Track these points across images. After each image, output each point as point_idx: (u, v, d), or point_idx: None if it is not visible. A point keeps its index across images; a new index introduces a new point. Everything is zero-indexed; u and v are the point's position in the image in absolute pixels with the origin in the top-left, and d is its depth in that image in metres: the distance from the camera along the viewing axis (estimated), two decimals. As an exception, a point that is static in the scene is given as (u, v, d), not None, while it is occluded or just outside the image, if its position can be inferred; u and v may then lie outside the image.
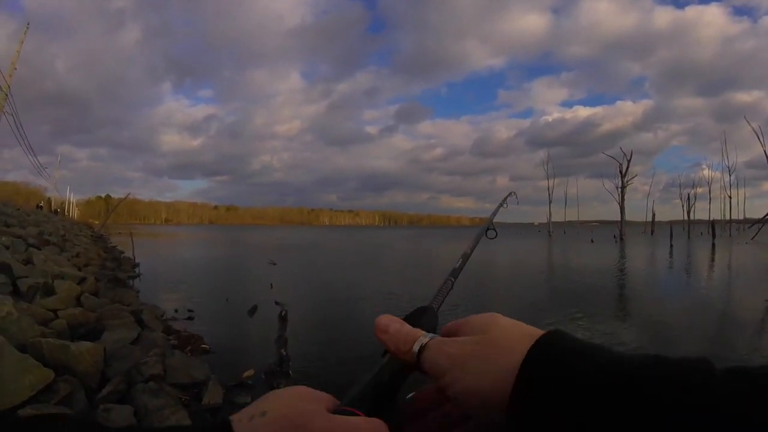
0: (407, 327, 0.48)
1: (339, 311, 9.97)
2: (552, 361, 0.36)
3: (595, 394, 0.33)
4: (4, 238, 8.69)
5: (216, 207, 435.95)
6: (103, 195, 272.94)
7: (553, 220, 70.44)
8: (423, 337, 0.45)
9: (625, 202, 52.03)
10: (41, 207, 51.78)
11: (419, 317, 0.54)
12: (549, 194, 67.30)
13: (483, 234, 0.83)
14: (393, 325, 0.48)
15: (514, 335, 0.40)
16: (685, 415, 0.30)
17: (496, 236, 0.91)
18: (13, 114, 30.47)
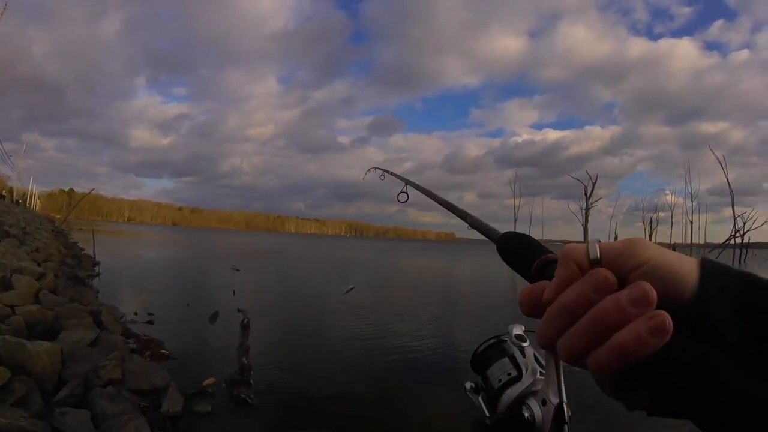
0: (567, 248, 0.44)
1: (302, 321, 9.96)
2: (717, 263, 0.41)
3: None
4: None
5: (180, 208, 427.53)
6: (66, 188, 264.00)
7: None
8: (596, 245, 0.42)
9: (589, 223, 53.34)
10: (4, 197, 49.91)
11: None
12: (515, 212, 68.29)
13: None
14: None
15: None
16: None
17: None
18: None
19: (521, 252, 0.56)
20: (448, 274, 27.96)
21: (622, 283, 0.39)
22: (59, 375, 4.21)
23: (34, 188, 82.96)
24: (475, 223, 0.78)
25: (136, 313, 8.81)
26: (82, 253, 19.02)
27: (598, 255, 0.40)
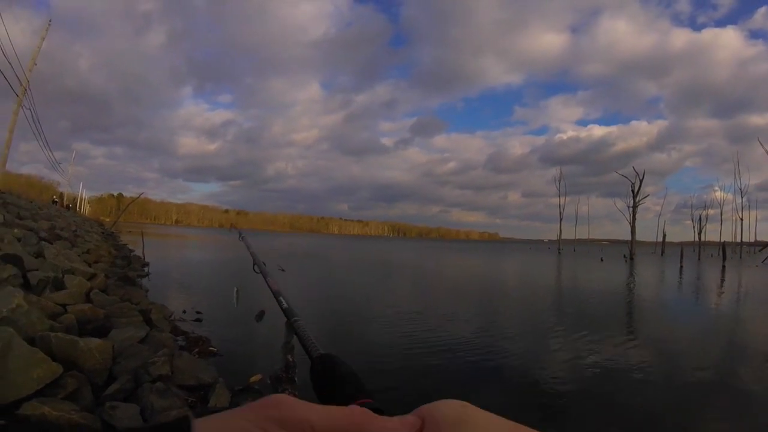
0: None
1: (346, 321, 9.90)
2: None
3: None
4: (16, 230, 8.70)
5: (227, 211, 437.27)
6: (115, 193, 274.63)
7: (563, 237, 69.96)
8: None
9: (636, 221, 51.51)
10: (56, 202, 52.14)
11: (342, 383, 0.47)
12: (560, 211, 66.89)
13: None
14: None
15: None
16: None
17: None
18: (31, 108, 31.01)
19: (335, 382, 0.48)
20: (491, 273, 27.47)
21: None
22: (110, 371, 4.27)
23: (84, 193, 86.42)
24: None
25: (184, 312, 8.96)
26: (132, 254, 19.58)
27: None
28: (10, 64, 24.55)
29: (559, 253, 61.98)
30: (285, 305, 1.21)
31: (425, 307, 12.11)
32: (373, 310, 11.33)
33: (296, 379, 5.62)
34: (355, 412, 0.36)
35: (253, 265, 2.14)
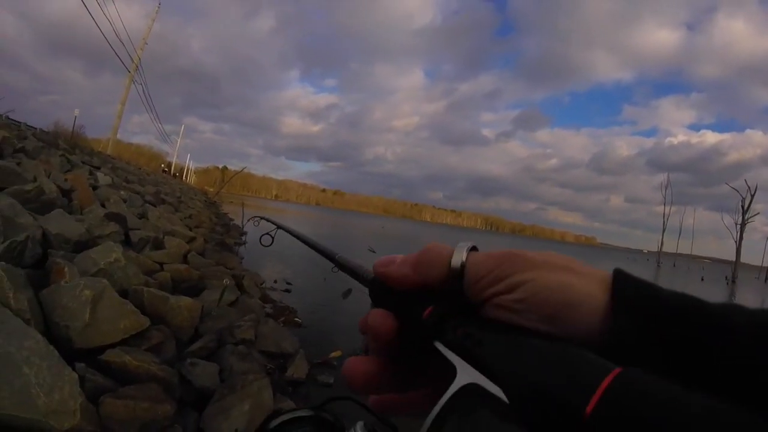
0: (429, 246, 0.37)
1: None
2: (636, 279, 0.31)
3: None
4: (122, 192, 9.26)
5: (324, 190, 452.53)
6: (220, 166, 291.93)
7: (664, 249, 64.71)
8: (462, 250, 0.34)
9: (743, 241, 46.27)
10: (166, 171, 56.10)
11: None
12: (664, 221, 61.91)
13: None
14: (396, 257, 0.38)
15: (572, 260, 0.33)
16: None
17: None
18: (143, 84, 34.41)
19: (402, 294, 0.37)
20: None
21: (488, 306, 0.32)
22: (196, 329, 4.33)
23: (191, 164, 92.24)
24: (342, 263, 0.59)
25: (275, 281, 9.17)
26: (231, 223, 20.53)
27: (460, 264, 0.34)
28: (122, 43, 26.90)
29: (658, 266, 56.44)
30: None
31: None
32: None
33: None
34: None
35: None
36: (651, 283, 0.31)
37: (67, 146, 13.02)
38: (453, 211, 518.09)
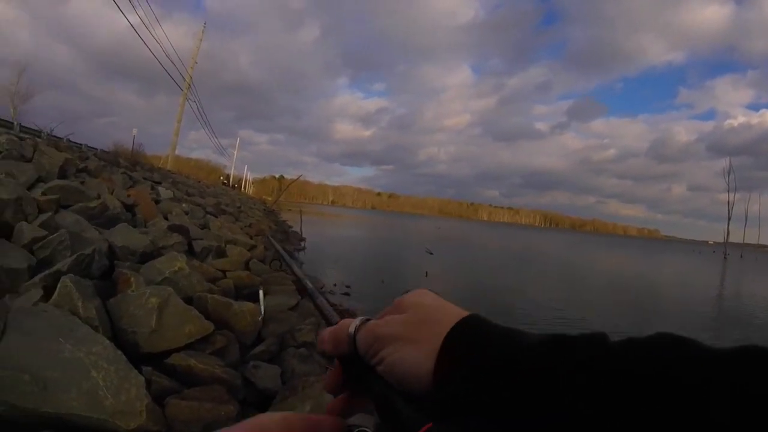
0: (342, 322, 0.49)
1: (489, 308, 9.47)
2: (469, 334, 0.40)
3: (504, 362, 0.36)
4: (184, 205, 9.59)
5: (379, 194, 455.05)
6: (277, 175, 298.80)
7: (730, 240, 60.12)
8: (355, 321, 0.47)
9: None
10: (226, 183, 58.06)
11: None
12: (728, 210, 57.73)
13: None
14: (327, 329, 0.50)
15: (438, 314, 0.43)
16: (578, 377, 0.33)
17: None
18: (197, 101, 36.03)
19: None
20: (647, 279, 24.88)
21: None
22: (259, 333, 4.38)
23: (249, 175, 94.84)
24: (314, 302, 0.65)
25: (335, 285, 9.23)
26: (290, 230, 20.92)
27: (352, 332, 0.46)
28: (173, 64, 28.14)
29: (725, 258, 52.47)
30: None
31: (572, 309, 11.22)
32: (514, 305, 10.73)
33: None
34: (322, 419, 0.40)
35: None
36: (488, 334, 0.39)
37: (128, 164, 13.63)
38: (510, 208, 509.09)
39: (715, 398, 0.29)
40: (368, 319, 0.47)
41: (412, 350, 0.41)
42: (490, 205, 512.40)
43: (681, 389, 0.30)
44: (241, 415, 2.72)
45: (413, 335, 0.41)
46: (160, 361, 2.90)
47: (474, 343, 0.39)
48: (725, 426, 0.28)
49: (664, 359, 0.32)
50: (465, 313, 0.42)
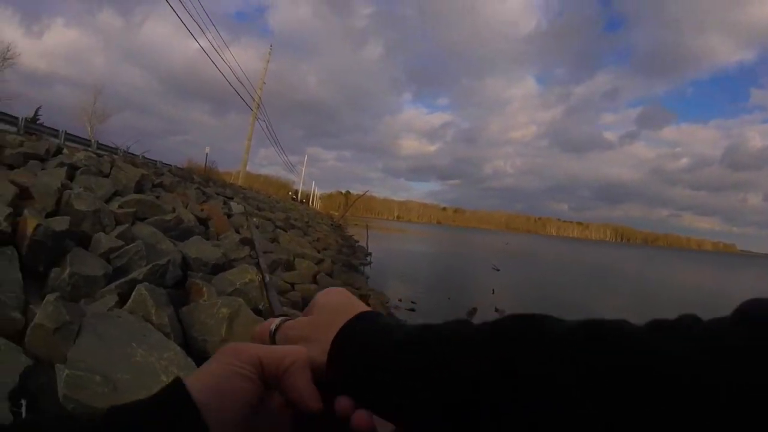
0: (269, 320, 0.53)
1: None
2: (351, 336, 0.45)
3: (381, 358, 0.41)
4: (254, 219, 9.80)
5: (444, 208, 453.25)
6: (343, 191, 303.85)
7: None
8: (276, 321, 0.52)
9: None
10: (294, 198, 59.62)
11: None
12: None
13: None
14: (258, 326, 0.53)
15: (333, 316, 0.47)
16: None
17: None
18: (266, 120, 37.63)
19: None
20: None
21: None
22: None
23: (316, 190, 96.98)
24: None
25: (400, 300, 9.11)
26: (357, 244, 21.04)
27: (272, 330, 0.51)
28: (243, 85, 29.45)
29: None
30: None
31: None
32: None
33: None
34: (291, 350, 0.44)
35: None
36: (367, 335, 0.44)
37: (201, 180, 14.14)
38: (579, 223, 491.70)
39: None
40: (288, 319, 0.52)
41: (311, 350, 0.45)
42: (559, 220, 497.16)
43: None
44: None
45: (313, 336, 0.47)
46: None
47: (354, 345, 0.44)
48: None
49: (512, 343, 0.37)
50: (358, 312, 0.47)
